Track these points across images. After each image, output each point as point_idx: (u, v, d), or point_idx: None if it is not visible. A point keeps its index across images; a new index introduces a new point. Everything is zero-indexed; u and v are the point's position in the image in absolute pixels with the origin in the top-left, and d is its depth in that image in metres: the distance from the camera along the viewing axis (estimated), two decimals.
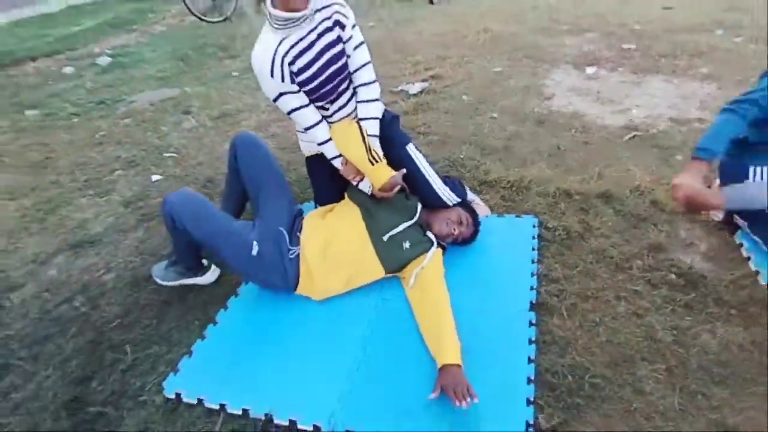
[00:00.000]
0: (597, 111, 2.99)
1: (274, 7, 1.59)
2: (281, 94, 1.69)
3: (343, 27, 1.70)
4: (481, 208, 2.11)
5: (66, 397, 1.47)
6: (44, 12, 7.04)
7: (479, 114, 3.06)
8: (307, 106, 1.75)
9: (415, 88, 3.51)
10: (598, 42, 4.18)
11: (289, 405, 1.37)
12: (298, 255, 1.70)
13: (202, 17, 5.89)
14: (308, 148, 2.02)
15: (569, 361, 1.45)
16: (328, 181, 1.99)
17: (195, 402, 1.41)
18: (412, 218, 1.79)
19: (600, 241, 1.91)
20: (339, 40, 1.71)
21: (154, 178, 2.65)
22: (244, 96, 3.71)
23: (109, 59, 4.88)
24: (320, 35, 1.67)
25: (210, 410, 1.39)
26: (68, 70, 4.67)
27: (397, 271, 1.76)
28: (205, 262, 1.86)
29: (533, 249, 1.88)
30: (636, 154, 2.48)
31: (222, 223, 1.64)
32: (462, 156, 2.58)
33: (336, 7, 1.68)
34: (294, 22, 1.60)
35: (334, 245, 1.71)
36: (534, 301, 1.64)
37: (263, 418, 1.35)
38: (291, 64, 1.65)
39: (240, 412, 1.37)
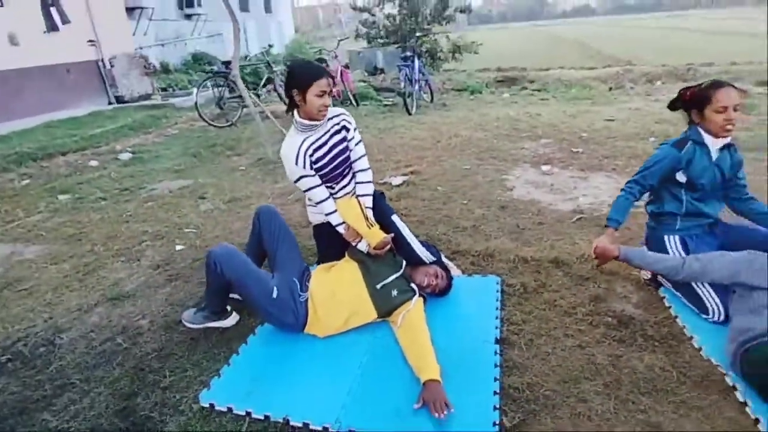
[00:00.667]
0: (550, 199, 3.62)
1: (300, 117, 2.21)
2: (302, 177, 2.26)
3: (348, 130, 2.37)
4: (454, 270, 2.60)
5: (117, 408, 1.79)
6: (71, 116, 7.86)
7: (452, 201, 3.66)
8: (319, 185, 2.32)
9: (397, 180, 4.15)
10: (552, 146, 4.99)
11: (303, 410, 1.71)
12: (307, 299, 2.13)
13: (211, 123, 6.71)
14: (316, 218, 2.54)
15: (527, 380, 1.85)
16: (330, 244, 2.49)
17: (225, 409, 1.75)
18: (398, 271, 2.26)
19: (551, 294, 2.38)
20: (345, 139, 2.36)
21: (178, 247, 3.10)
22: (250, 186, 4.29)
23: (130, 155, 5.52)
24: (332, 135, 2.33)
25: (237, 416, 1.73)
26: (94, 163, 5.27)
27: (387, 316, 2.17)
28: (228, 308, 2.26)
29: (497, 300, 2.34)
30: (581, 232, 3.05)
31: (251, 269, 2.09)
32: (437, 233, 3.12)
33: (343, 116, 2.37)
34: (314, 127, 2.24)
35: (338, 293, 2.15)
36: (498, 337, 2.07)
37: (281, 421, 1.69)
38: (311, 156, 2.26)
39: (262, 417, 1.71)
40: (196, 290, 2.58)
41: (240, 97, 6.96)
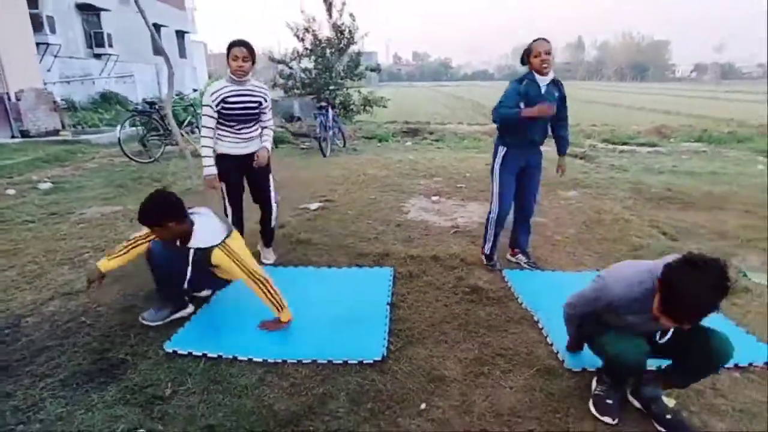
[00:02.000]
0: (436, 219, 4.57)
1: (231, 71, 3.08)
2: (206, 106, 3.09)
3: (265, 100, 3.23)
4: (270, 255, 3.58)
5: (93, 359, 2.28)
6: None
7: (358, 221, 4.48)
8: (212, 120, 3.12)
9: (313, 205, 4.92)
10: (441, 183, 6.07)
11: (246, 348, 2.34)
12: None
13: (134, 158, 7.03)
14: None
15: (407, 326, 2.62)
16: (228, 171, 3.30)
17: (186, 353, 2.31)
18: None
19: (429, 278, 3.23)
20: (259, 104, 3.22)
21: None
22: None
23: (50, 184, 5.71)
24: (248, 95, 3.16)
25: (196, 357, 2.29)
26: (11, 191, 5.40)
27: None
28: (186, 298, 2.76)
29: (389, 281, 3.14)
30: (456, 240, 3.99)
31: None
32: (346, 242, 3.90)
33: (265, 91, 3.25)
34: (235, 81, 3.09)
35: None
36: (389, 302, 2.85)
37: (230, 357, 2.29)
38: (222, 99, 3.08)
39: (216, 356, 2.30)
40: (144, 285, 3.05)
41: (162, 135, 7.41)
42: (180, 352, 2.32)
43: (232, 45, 3.06)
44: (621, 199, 5.24)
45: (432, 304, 2.88)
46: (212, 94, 3.08)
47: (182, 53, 23.42)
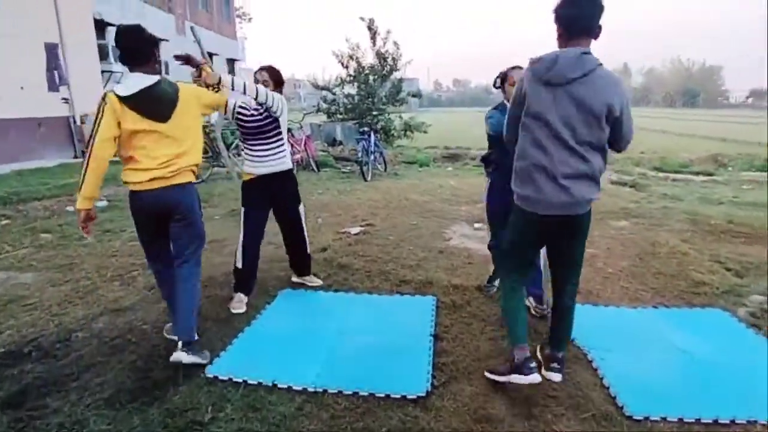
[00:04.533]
0: (479, 247, 4.45)
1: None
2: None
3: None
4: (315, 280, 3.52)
5: (137, 377, 2.30)
6: (40, 166, 8.21)
7: (400, 247, 4.42)
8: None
9: (355, 229, 4.90)
10: (484, 209, 5.93)
11: (287, 375, 2.30)
12: None
13: None
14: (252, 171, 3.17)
15: (451, 359, 2.52)
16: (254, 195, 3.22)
17: (227, 379, 2.29)
18: None
19: (473, 308, 3.12)
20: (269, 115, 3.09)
21: None
22: (226, 231, 4.86)
23: (106, 203, 5.98)
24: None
25: (236, 383, 2.27)
26: (70, 208, 5.68)
27: None
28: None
29: (432, 311, 3.05)
30: None
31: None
32: (387, 268, 3.84)
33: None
34: None
35: None
36: (432, 333, 2.76)
37: (270, 384, 2.25)
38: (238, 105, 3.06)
39: (256, 383, 2.26)
40: None
41: (211, 156, 7.67)
42: (221, 377, 2.30)
43: (258, 70, 3.19)
44: (677, 231, 4.96)
45: (477, 337, 2.76)
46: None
47: None
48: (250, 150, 3.13)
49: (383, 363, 2.45)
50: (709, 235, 4.85)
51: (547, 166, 2.02)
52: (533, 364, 2.17)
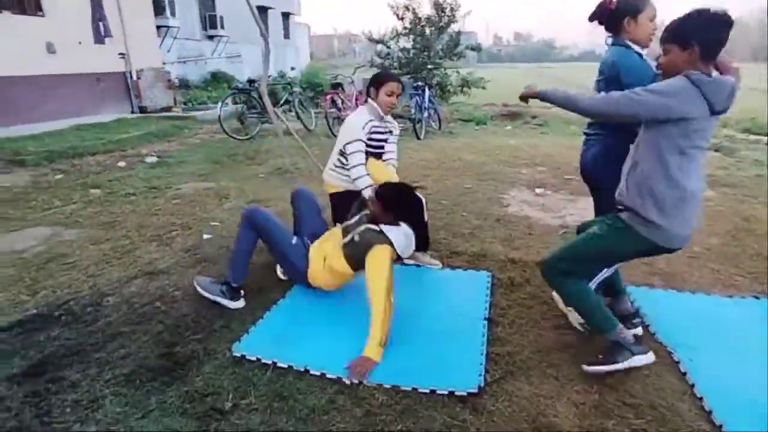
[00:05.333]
0: (541, 216, 3.99)
1: (375, 104, 2.95)
2: (357, 140, 2.84)
3: (392, 132, 3.04)
4: (434, 262, 3.05)
5: (160, 352, 2.12)
6: (97, 121, 8.38)
7: (453, 213, 4.04)
8: (362, 151, 2.87)
9: None
10: (547, 173, 5.41)
11: (320, 361, 2.04)
12: (308, 247, 2.58)
13: (232, 135, 7.17)
14: (335, 184, 3.06)
15: (507, 349, 2.18)
16: (345, 209, 2.88)
17: (254, 359, 2.07)
18: (362, 222, 2.46)
19: (534, 288, 2.73)
20: (390, 133, 3.07)
21: (206, 236, 3.47)
22: (270, 191, 4.68)
23: (156, 159, 5.95)
24: (384, 131, 3.00)
25: (264, 364, 2.04)
26: (122, 164, 5.70)
27: (360, 267, 2.30)
28: (242, 292, 2.57)
29: (487, 289, 2.69)
30: (566, 242, 3.40)
31: (278, 222, 2.60)
32: (438, 237, 3.48)
33: (394, 123, 3.09)
34: (379, 117, 2.95)
35: (327, 240, 2.60)
36: (486, 317, 2.41)
37: (302, 369, 2.01)
38: (368, 131, 2.90)
39: (286, 366, 2.02)
40: (224, 270, 2.89)
41: (260, 113, 7.47)
42: (248, 357, 2.09)
43: (388, 78, 2.96)
44: None
45: (538, 323, 2.39)
46: (363, 127, 2.90)
47: (286, 34, 24.11)
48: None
49: (429, 350, 2.14)
50: None
51: (699, 198, 1.88)
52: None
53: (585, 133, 2.50)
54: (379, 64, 12.19)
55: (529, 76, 32.05)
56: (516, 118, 10.38)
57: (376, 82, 2.94)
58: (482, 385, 1.90)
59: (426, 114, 8.20)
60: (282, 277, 2.81)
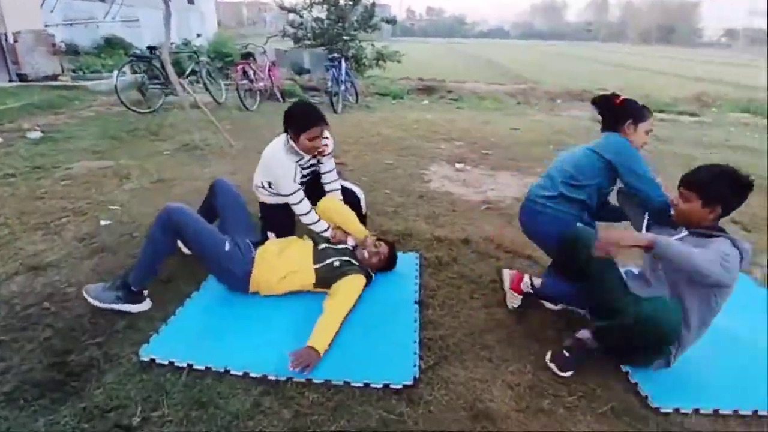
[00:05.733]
0: (463, 191, 4.03)
1: (294, 144, 2.50)
2: (297, 191, 2.49)
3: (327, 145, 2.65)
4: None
5: (50, 362, 1.82)
6: None
7: (375, 190, 3.94)
8: (304, 199, 2.54)
9: None
10: (465, 148, 5.48)
11: (242, 361, 1.87)
12: (253, 256, 2.30)
13: (131, 108, 6.45)
14: (269, 200, 2.72)
15: (440, 333, 2.14)
16: (279, 222, 2.72)
17: (166, 363, 1.85)
18: (346, 254, 2.43)
19: (461, 267, 2.73)
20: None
21: (103, 222, 3.07)
22: (177, 169, 4.27)
23: (40, 134, 5.19)
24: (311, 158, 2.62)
25: (178, 368, 1.83)
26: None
27: (324, 286, 2.31)
28: (145, 292, 2.24)
29: (416, 270, 2.64)
30: (488, 219, 3.46)
31: (207, 225, 2.26)
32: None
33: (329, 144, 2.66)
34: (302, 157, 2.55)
35: (285, 252, 2.36)
36: (417, 300, 2.36)
37: (222, 370, 1.83)
38: (301, 175, 2.54)
39: (203, 368, 1.83)
40: (125, 262, 2.60)
41: (163, 84, 6.80)
42: (159, 360, 1.86)
43: (311, 124, 2.44)
44: (671, 177, 4.62)
45: (468, 303, 2.38)
46: (294, 177, 2.48)
47: None
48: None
49: (360, 341, 2.04)
50: None
51: None
52: None
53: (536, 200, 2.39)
54: (291, 34, 11.65)
55: (441, 50, 32.55)
56: (432, 92, 10.45)
57: (295, 126, 2.45)
58: (417, 376, 1.84)
59: (343, 87, 7.96)
60: (186, 251, 2.50)
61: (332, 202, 2.67)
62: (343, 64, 8.05)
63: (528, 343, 2.09)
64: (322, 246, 2.44)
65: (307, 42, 11.65)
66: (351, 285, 2.27)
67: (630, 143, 2.22)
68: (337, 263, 2.34)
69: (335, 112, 7.43)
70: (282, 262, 2.30)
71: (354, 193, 2.86)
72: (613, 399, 1.76)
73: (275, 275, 2.27)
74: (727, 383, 1.88)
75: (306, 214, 2.54)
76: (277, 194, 2.61)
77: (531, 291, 2.31)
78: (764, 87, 11.46)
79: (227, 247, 2.22)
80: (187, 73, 7.45)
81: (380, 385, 1.76)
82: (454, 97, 10.04)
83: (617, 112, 2.31)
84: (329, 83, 7.58)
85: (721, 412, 1.72)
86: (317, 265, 2.33)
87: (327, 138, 2.59)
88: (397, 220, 3.36)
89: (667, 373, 1.87)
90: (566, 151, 2.45)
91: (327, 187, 2.74)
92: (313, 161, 2.65)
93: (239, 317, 2.18)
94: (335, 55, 8.29)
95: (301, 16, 11.55)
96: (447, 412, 1.68)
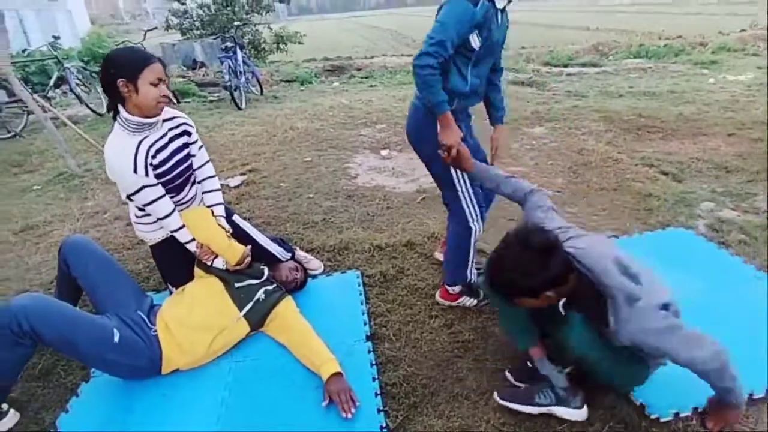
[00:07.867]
0: (394, 183, 3.65)
1: (130, 113, 1.78)
2: (143, 187, 1.83)
3: (189, 134, 2.04)
4: (314, 262, 2.46)
5: None
6: None
7: (297, 196, 3.47)
8: (164, 196, 1.90)
9: (234, 181, 3.81)
10: (387, 131, 5.10)
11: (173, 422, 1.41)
12: (157, 333, 1.77)
13: None
14: (153, 236, 2.10)
15: (402, 372, 1.79)
16: (176, 263, 2.11)
17: None
18: (262, 277, 2.04)
19: (410, 279, 2.37)
20: (186, 144, 2.03)
21: None
22: (50, 208, 3.51)
23: None
24: (171, 139, 1.95)
25: None
26: None
27: (260, 326, 1.95)
28: (4, 406, 1.67)
29: (360, 294, 2.24)
30: (427, 211, 3.12)
31: (79, 317, 1.63)
32: (287, 232, 2.91)
33: (181, 119, 2.02)
34: (150, 126, 1.84)
35: (197, 309, 1.86)
36: (368, 334, 1.97)
37: None
38: (152, 160, 1.85)
39: None
40: None
41: (20, 101, 5.72)
42: None
43: (144, 63, 1.74)
44: (596, 133, 4.56)
45: (427, 325, 2.03)
46: (136, 168, 1.79)
47: None
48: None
49: (310, 407, 1.63)
50: (626, 133, 4.52)
51: None
52: None
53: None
54: (176, 24, 10.54)
55: (342, 26, 31.73)
56: (341, 72, 9.91)
57: (127, 74, 1.72)
58: None
59: (243, 79, 7.20)
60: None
61: (193, 214, 2.04)
62: (239, 52, 7.28)
63: (505, 363, 1.79)
64: (240, 284, 1.98)
65: (196, 32, 10.62)
66: (291, 312, 1.98)
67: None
68: (262, 296, 1.97)
69: (239, 108, 6.73)
70: (199, 328, 1.81)
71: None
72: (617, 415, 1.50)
73: (199, 349, 1.79)
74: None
75: (165, 217, 1.92)
76: (158, 220, 1.96)
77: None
78: (654, 33, 12.07)
79: (116, 337, 1.63)
80: (52, 83, 6.39)
81: None
82: (364, 75, 9.57)
83: None
84: (226, 76, 6.81)
85: None
86: (245, 310, 1.90)
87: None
88: (329, 231, 2.92)
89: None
90: None
91: (204, 187, 2.15)
92: (173, 143, 1.95)
93: (143, 411, 1.66)
94: (228, 44, 7.48)
95: (184, 4, 10.47)
96: None
